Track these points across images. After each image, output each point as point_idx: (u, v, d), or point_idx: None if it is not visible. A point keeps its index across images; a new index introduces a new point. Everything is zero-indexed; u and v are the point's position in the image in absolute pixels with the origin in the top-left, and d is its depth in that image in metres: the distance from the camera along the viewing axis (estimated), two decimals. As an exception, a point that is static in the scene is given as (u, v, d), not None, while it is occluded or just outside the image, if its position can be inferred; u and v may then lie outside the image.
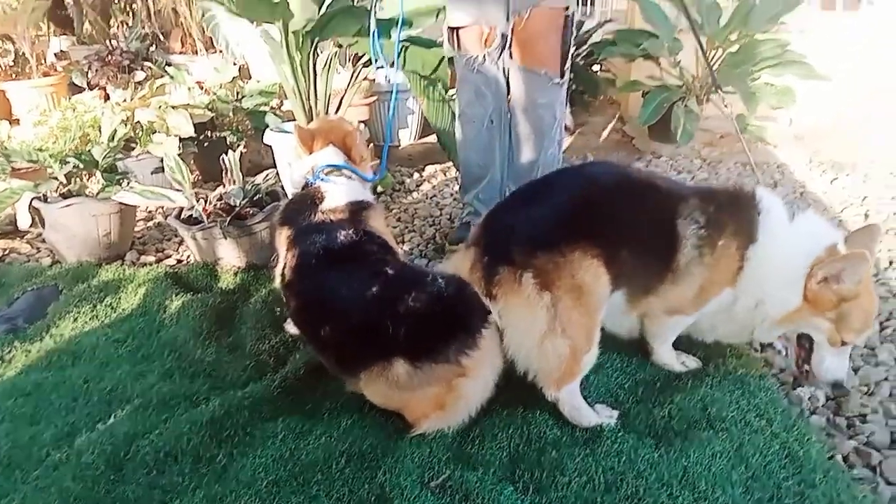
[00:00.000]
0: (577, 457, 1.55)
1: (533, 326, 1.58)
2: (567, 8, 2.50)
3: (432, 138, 4.81)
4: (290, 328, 2.17)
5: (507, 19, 2.47)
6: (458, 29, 2.63)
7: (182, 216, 2.62)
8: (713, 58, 4.19)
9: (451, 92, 3.25)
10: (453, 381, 1.59)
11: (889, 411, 1.76)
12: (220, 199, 2.59)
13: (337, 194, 1.88)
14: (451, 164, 3.90)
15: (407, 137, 4.81)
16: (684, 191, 1.77)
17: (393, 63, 2.69)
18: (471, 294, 1.63)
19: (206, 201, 2.56)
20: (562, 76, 2.63)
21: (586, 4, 7.57)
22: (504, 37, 2.52)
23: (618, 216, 1.69)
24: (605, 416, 1.73)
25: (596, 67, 5.09)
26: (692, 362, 1.93)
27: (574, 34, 2.65)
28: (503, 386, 1.80)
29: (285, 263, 1.84)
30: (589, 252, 1.59)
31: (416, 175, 4.00)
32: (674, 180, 1.94)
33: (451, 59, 2.76)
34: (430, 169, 4.11)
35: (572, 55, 3.41)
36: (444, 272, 1.73)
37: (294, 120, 3.64)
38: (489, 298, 1.61)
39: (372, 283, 1.66)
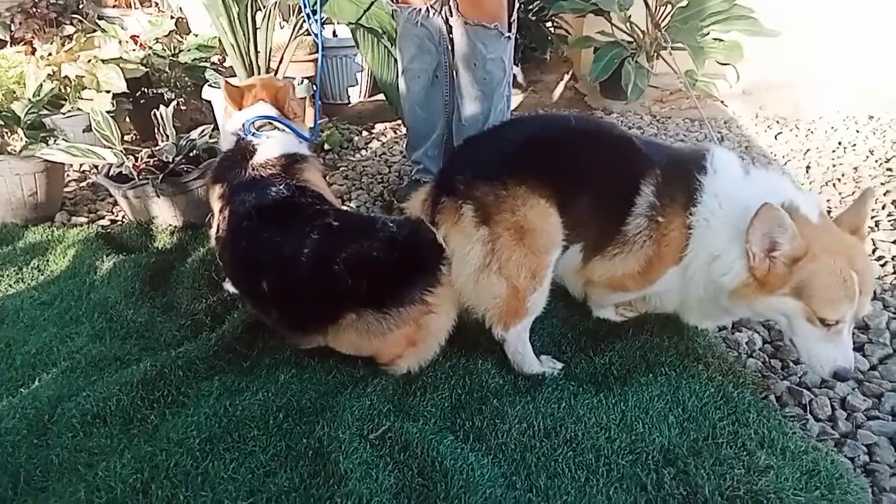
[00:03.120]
0: (518, 404, 1.55)
1: (467, 259, 1.56)
2: None
3: (382, 95, 4.70)
4: (229, 287, 2.09)
5: None
6: None
7: (111, 174, 2.48)
8: (663, 13, 4.18)
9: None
10: (421, 320, 1.59)
11: (821, 353, 1.80)
12: (153, 155, 2.47)
13: (269, 148, 1.81)
14: (400, 121, 3.82)
15: (356, 95, 4.68)
16: (657, 154, 1.61)
17: (315, 13, 2.57)
18: (425, 232, 1.61)
19: (136, 158, 2.44)
20: (510, 28, 2.56)
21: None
22: None
23: (582, 161, 1.61)
24: (548, 366, 1.73)
25: (549, 24, 5.02)
26: (630, 312, 1.94)
27: (519, -17, 2.58)
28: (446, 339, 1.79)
29: (219, 224, 1.77)
30: (538, 191, 1.53)
31: (364, 133, 3.90)
32: (654, 141, 1.75)
33: (393, 12, 2.66)
34: (379, 126, 4.01)
35: (522, 10, 3.30)
36: (392, 217, 1.73)
37: (235, 76, 3.49)
38: (434, 226, 1.60)
39: (318, 237, 1.61)
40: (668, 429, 1.48)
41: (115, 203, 2.87)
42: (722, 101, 4.20)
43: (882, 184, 2.87)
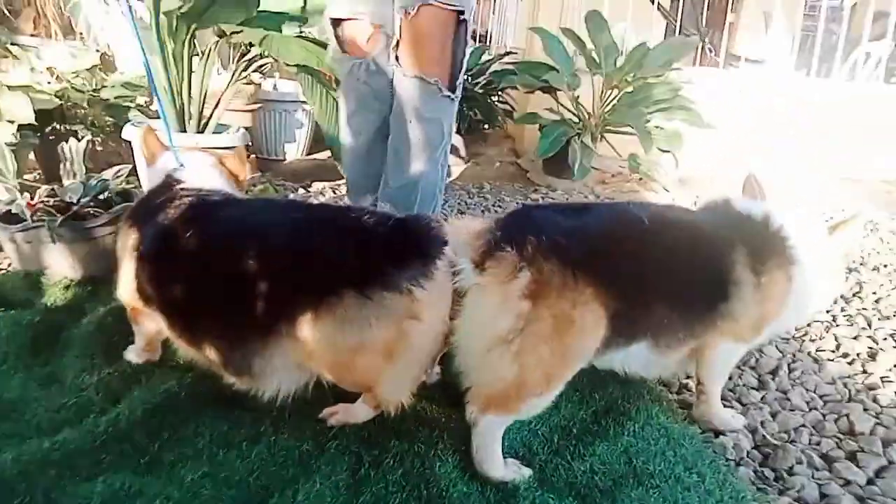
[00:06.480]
0: (488, 522, 1.27)
1: (489, 324, 1.32)
2: (461, 13, 2.24)
3: (321, 154, 4.49)
4: (132, 356, 1.73)
5: (395, 18, 2.19)
6: (340, 21, 2.30)
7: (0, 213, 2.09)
8: (610, 97, 4.24)
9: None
10: (404, 325, 1.35)
11: (812, 462, 1.63)
12: (54, 194, 2.10)
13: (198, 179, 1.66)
14: (342, 181, 3.59)
15: (294, 152, 4.44)
16: (721, 226, 1.58)
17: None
18: (427, 222, 1.43)
19: (32, 196, 2.06)
20: (452, 90, 2.35)
21: (484, 41, 7.61)
22: (388, 38, 2.23)
23: (662, 260, 1.48)
24: (513, 471, 1.45)
25: (495, 99, 5.03)
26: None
27: (468, 44, 2.40)
28: (398, 430, 1.50)
29: (142, 237, 1.57)
30: (601, 299, 1.34)
31: (301, 190, 3.64)
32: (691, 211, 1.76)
33: (334, 60, 2.44)
34: (317, 185, 3.76)
35: (470, 82, 3.13)
36: None
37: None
38: (475, 267, 1.35)
39: (299, 210, 1.55)
40: (667, 557, 1.24)
41: (2, 249, 2.44)
42: (665, 188, 4.24)
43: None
